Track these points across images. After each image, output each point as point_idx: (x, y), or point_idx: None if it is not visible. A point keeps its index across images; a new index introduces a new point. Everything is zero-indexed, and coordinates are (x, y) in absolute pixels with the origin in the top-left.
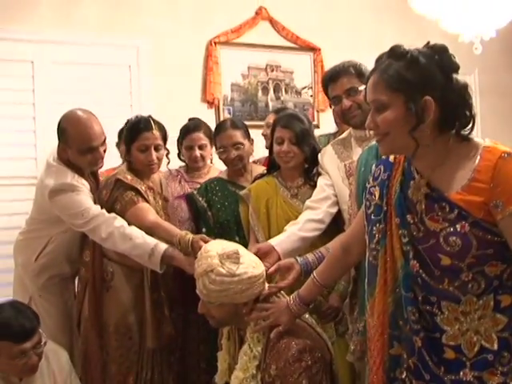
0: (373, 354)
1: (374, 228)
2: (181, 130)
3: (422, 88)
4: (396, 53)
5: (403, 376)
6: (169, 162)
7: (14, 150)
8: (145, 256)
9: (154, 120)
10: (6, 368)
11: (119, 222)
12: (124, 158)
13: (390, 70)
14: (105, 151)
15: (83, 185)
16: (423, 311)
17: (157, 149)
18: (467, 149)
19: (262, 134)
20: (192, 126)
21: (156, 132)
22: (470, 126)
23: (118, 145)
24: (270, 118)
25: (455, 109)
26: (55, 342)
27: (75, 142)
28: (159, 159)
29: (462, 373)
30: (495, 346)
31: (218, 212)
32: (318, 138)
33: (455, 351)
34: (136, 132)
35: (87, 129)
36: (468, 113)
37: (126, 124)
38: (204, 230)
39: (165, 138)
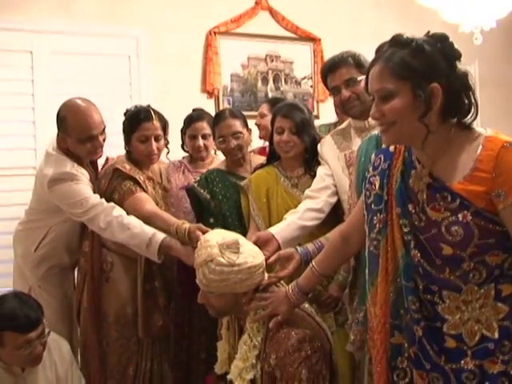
0: (376, 343)
1: (375, 218)
2: (184, 120)
3: (428, 75)
4: (399, 41)
5: (404, 365)
6: (168, 152)
7: (14, 140)
8: (142, 246)
9: (154, 110)
10: (10, 358)
11: (118, 211)
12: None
13: (395, 58)
14: (104, 140)
15: (82, 174)
16: (424, 300)
17: (157, 139)
18: (469, 138)
19: (256, 124)
20: (195, 116)
21: (156, 122)
22: (474, 114)
23: None
24: (263, 108)
25: (459, 96)
26: (55, 333)
27: (75, 130)
28: (159, 150)
29: (462, 361)
30: (496, 335)
31: (220, 203)
32: (319, 128)
33: (456, 340)
34: (136, 122)
35: (87, 117)
36: (470, 101)
37: (125, 114)
38: (212, 220)
39: (165, 129)
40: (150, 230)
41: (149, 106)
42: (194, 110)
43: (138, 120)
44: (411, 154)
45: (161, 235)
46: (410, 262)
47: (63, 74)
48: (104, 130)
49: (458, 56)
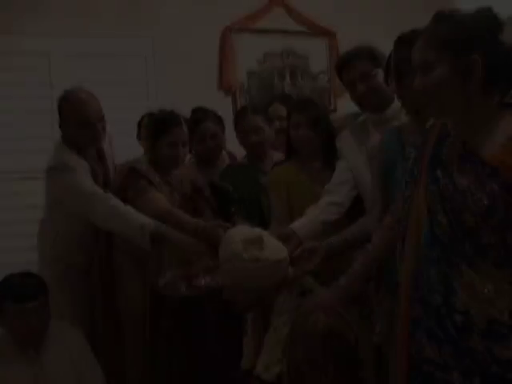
0: (399, 315)
1: (406, 191)
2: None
3: (469, 46)
4: (441, 16)
5: (421, 338)
6: (191, 157)
7: (33, 143)
8: (137, 234)
9: (181, 116)
10: (10, 329)
11: (114, 201)
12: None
13: (437, 30)
14: (104, 128)
15: (80, 165)
16: (442, 273)
17: (184, 145)
18: (507, 115)
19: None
20: (201, 115)
21: (185, 128)
22: None
23: (138, 136)
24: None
25: (500, 70)
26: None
27: (71, 116)
28: (184, 155)
29: (472, 341)
30: (508, 320)
31: (243, 195)
32: (345, 117)
33: (467, 318)
34: (166, 127)
35: (82, 102)
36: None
37: (148, 117)
38: (233, 210)
39: (189, 134)
40: (144, 220)
41: (173, 111)
42: (193, 112)
43: (167, 125)
44: (446, 128)
45: (154, 223)
46: (434, 233)
47: (80, 76)
48: (103, 117)
49: (500, 27)
